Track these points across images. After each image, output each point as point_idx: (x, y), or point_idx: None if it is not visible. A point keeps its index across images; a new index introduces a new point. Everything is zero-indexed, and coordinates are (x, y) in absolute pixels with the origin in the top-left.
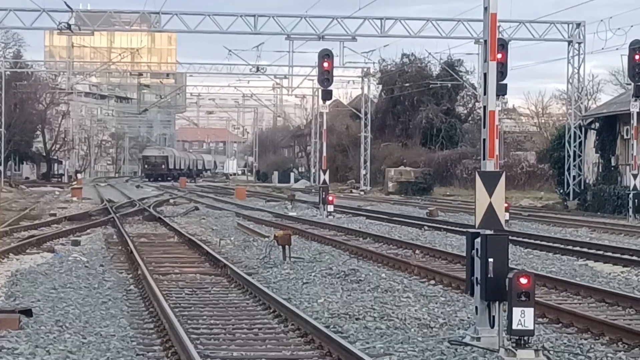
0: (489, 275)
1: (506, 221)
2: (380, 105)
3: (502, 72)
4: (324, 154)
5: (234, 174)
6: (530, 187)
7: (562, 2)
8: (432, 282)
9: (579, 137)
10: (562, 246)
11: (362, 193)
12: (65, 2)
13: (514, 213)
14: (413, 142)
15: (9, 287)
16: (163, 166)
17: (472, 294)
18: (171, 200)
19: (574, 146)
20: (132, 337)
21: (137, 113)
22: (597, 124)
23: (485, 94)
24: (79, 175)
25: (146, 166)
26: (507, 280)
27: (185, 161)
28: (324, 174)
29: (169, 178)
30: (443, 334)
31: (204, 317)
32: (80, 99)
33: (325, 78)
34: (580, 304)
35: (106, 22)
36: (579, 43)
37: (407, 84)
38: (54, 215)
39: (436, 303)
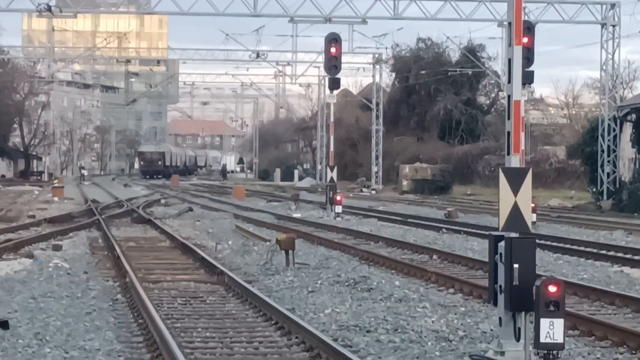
0: (514, 283)
1: (533, 223)
2: (394, 95)
3: (528, 58)
4: (332, 149)
5: (232, 172)
6: (559, 185)
7: None
8: (451, 290)
9: (614, 130)
10: (595, 251)
11: (373, 192)
12: None
13: (542, 214)
14: (430, 135)
15: None
16: (159, 162)
17: (495, 304)
18: (162, 201)
19: (608, 140)
20: (119, 352)
21: (125, 104)
22: (634, 116)
23: (509, 82)
24: (84, 172)
25: (142, 163)
26: (534, 288)
27: (181, 157)
28: (332, 171)
29: (159, 176)
30: (463, 347)
31: (199, 330)
32: (61, 89)
33: (333, 65)
34: (615, 314)
35: (90, 4)
36: (614, 26)
37: (423, 72)
38: (33, 217)
39: (455, 314)
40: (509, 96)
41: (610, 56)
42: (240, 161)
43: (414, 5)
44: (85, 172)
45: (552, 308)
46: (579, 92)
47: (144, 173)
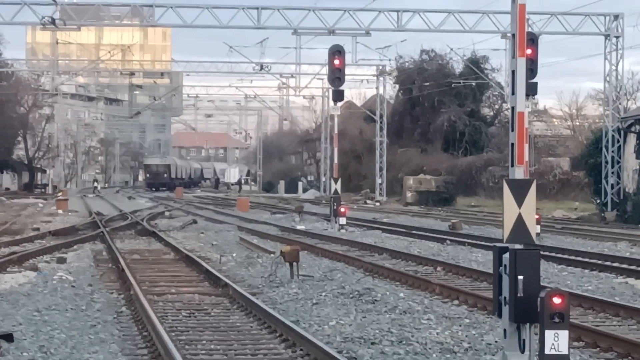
0: (518, 295)
1: (537, 234)
2: (397, 106)
3: (531, 69)
4: (335, 160)
5: (234, 184)
6: (563, 196)
7: None
8: (456, 302)
9: (618, 141)
10: (599, 262)
11: (377, 204)
12: None
13: (546, 225)
14: (433, 147)
15: None
16: (165, 175)
17: (499, 316)
18: (166, 213)
19: (612, 151)
20: None
21: (129, 116)
22: (638, 127)
23: (513, 93)
24: (97, 185)
25: (147, 175)
26: (538, 300)
27: (186, 170)
28: (336, 183)
29: (163, 188)
30: (468, 359)
31: (203, 342)
32: (65, 101)
33: (336, 77)
34: (620, 326)
35: (94, 16)
36: (617, 37)
37: (426, 83)
38: (37, 229)
39: (460, 325)
40: (512, 108)
41: (613, 67)
42: (249, 173)
43: (417, 17)
44: (98, 186)
45: (556, 319)
46: (583, 104)
47: (150, 185)
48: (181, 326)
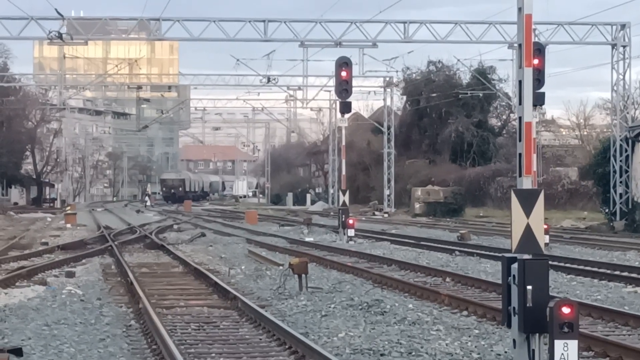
0: (527, 305)
1: (546, 244)
2: (405, 118)
3: (539, 79)
4: (343, 172)
5: (244, 196)
6: (572, 206)
7: (605, 1)
8: (465, 313)
9: (626, 151)
10: (608, 272)
11: (385, 215)
12: (56, 9)
13: (555, 235)
14: (441, 158)
15: None
16: (180, 189)
17: (509, 326)
18: (175, 226)
19: (620, 160)
20: None
21: (137, 130)
22: None
23: (520, 103)
24: (147, 198)
25: (164, 189)
26: (547, 309)
27: (199, 183)
28: (344, 194)
29: (171, 201)
30: None
31: (213, 355)
32: (73, 116)
33: (344, 89)
34: (630, 335)
35: (101, 31)
36: (624, 46)
37: (434, 94)
38: (46, 244)
39: (469, 336)
40: (520, 118)
41: (621, 77)
42: (258, 186)
43: (424, 28)
44: (148, 200)
45: (566, 329)
46: (591, 113)
47: (166, 199)
48: (190, 339)
